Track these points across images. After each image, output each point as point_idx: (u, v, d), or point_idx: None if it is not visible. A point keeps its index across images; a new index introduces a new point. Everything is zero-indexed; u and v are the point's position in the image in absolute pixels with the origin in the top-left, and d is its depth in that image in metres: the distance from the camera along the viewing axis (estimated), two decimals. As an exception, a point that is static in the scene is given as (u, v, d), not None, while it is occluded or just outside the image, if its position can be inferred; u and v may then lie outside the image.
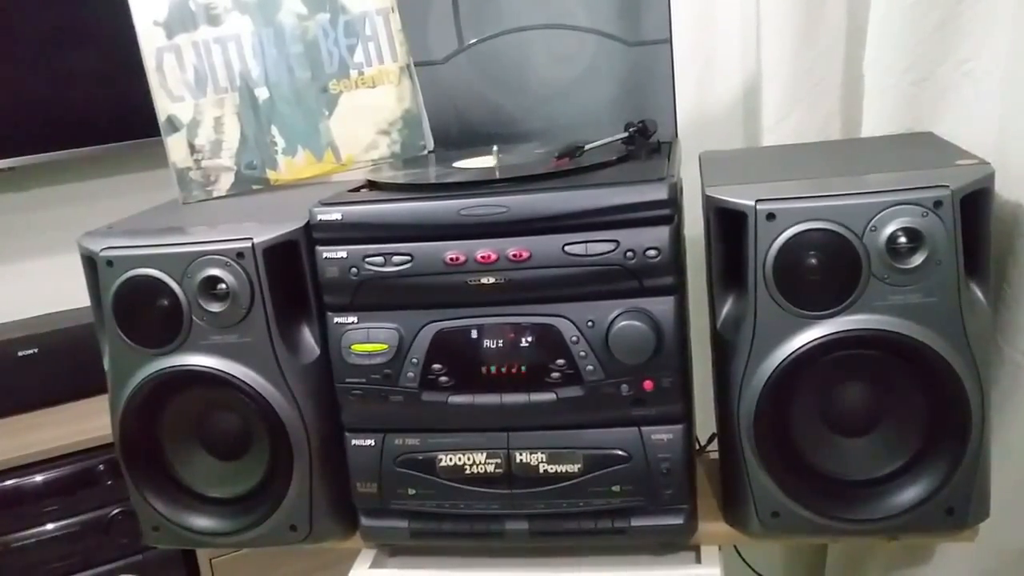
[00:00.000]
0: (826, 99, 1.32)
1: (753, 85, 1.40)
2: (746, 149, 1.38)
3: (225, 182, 1.22)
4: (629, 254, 0.92)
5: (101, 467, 1.62)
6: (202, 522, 1.07)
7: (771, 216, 0.92)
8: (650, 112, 1.17)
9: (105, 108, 1.83)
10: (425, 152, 1.25)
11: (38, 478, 1.61)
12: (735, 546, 1.25)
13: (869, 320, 0.92)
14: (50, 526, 1.61)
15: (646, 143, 1.12)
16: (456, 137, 1.27)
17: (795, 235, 0.91)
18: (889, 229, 0.90)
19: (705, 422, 1.10)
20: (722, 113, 1.47)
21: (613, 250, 0.92)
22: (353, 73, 1.23)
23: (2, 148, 1.78)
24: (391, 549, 1.11)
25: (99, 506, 1.64)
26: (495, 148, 1.12)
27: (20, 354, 1.72)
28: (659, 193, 0.92)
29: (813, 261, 0.91)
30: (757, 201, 0.92)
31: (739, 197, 0.93)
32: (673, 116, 1.23)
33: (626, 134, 1.13)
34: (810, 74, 1.32)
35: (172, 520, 1.08)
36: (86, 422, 1.65)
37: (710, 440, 1.17)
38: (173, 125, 1.20)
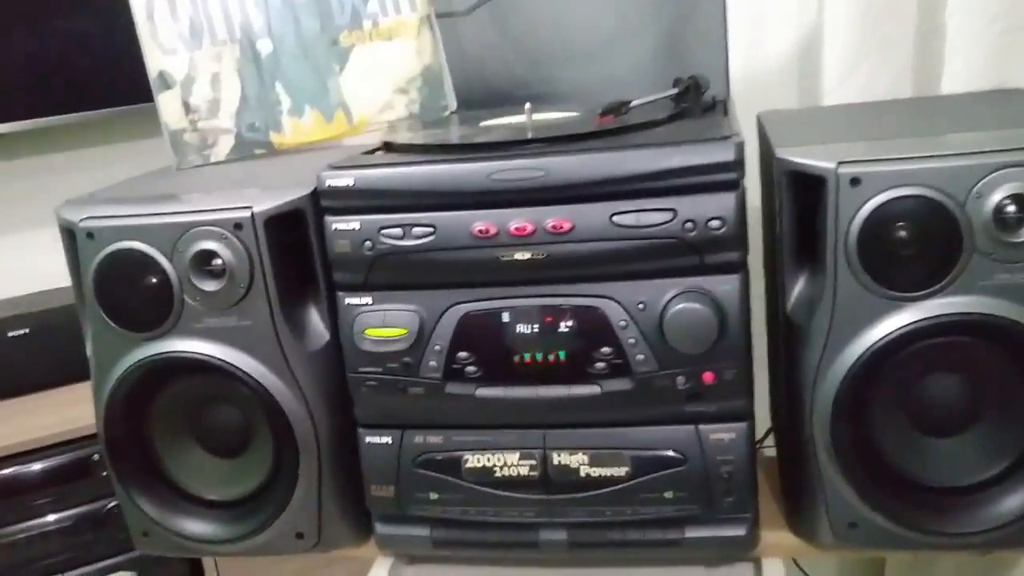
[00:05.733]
0: (897, 54, 1.20)
1: (811, 40, 1.27)
2: (813, 108, 1.26)
3: (224, 146, 1.13)
4: (688, 225, 0.81)
5: (96, 456, 1.53)
6: (197, 527, 0.98)
7: (855, 181, 0.80)
8: (696, 69, 1.07)
9: (104, 70, 1.73)
10: (447, 113, 1.16)
11: (29, 468, 1.52)
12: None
13: (971, 303, 0.80)
14: (42, 520, 1.53)
15: (699, 100, 1.00)
16: (480, 97, 1.19)
17: (884, 203, 0.79)
18: (997, 196, 0.78)
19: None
20: (774, 73, 1.35)
21: (670, 220, 0.81)
22: (367, 24, 1.13)
23: (-8, 113, 1.69)
24: (410, 556, 1.01)
25: (95, 498, 1.55)
26: (528, 106, 1.00)
27: (10, 334, 1.64)
28: (725, 154, 0.81)
29: (904, 233, 0.79)
30: (839, 164, 0.80)
31: (817, 159, 0.81)
32: (725, 71, 1.13)
33: (676, 90, 1.01)
34: (878, 26, 1.19)
35: (163, 525, 0.98)
36: (80, 408, 1.52)
37: (766, 434, 1.05)
38: (165, 82, 1.10)
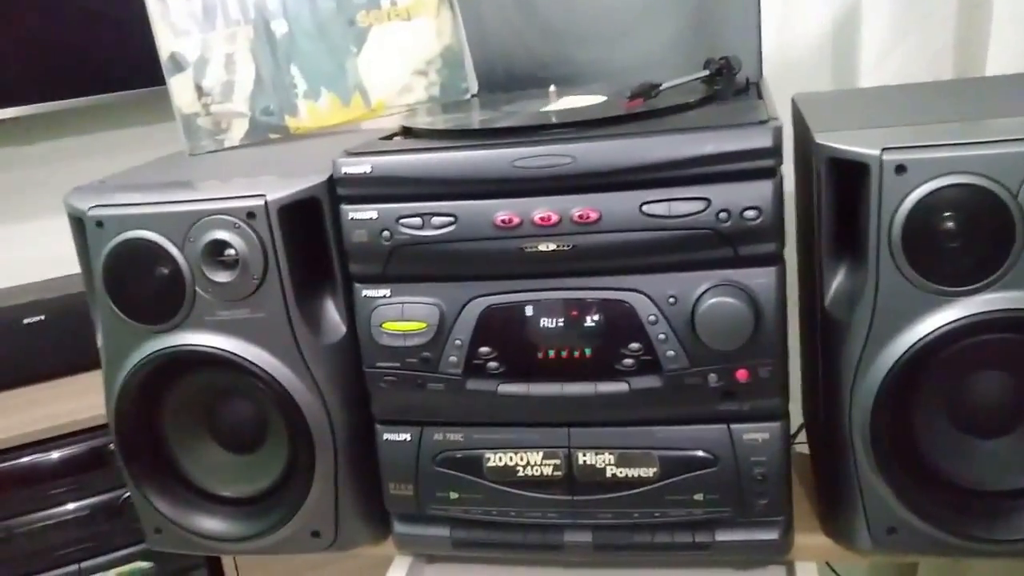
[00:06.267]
0: (938, 33, 1.14)
1: (848, 17, 1.22)
2: (851, 90, 1.21)
3: (238, 130, 1.10)
4: (722, 215, 0.77)
5: (113, 446, 1.49)
6: (211, 524, 0.96)
7: (901, 168, 0.75)
8: (726, 49, 1.02)
9: (116, 52, 1.68)
10: (467, 96, 1.13)
11: (45, 457, 1.50)
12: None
13: (1022, 298, 0.75)
14: (57, 509, 1.50)
15: (732, 82, 0.96)
16: (502, 79, 1.16)
17: (931, 192, 0.75)
18: (1053, 185, 0.73)
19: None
20: (806, 53, 1.30)
21: (703, 210, 0.77)
22: (385, 3, 1.10)
23: (6, 97, 1.66)
24: (429, 556, 0.99)
25: (112, 487, 1.52)
26: (552, 89, 0.96)
27: (26, 321, 1.61)
28: (762, 139, 0.76)
29: (952, 224, 0.75)
30: (883, 150, 0.75)
31: (860, 145, 0.77)
32: (757, 51, 1.08)
33: (707, 72, 0.96)
34: (918, 3, 1.12)
35: (176, 522, 0.96)
36: (97, 396, 1.49)
37: (798, 430, 1.01)
38: (177, 64, 1.07)
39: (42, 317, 1.61)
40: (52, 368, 1.61)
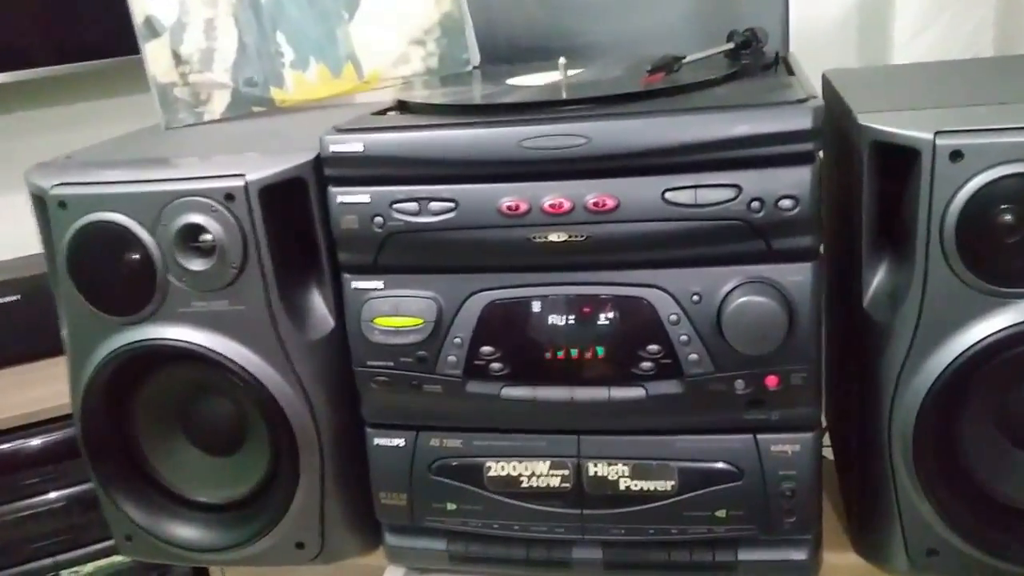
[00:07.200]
0: (978, 6, 1.07)
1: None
2: (887, 67, 1.14)
3: (219, 102, 1.03)
4: (755, 204, 0.70)
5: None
6: (186, 532, 0.91)
7: (957, 155, 0.68)
8: (749, 20, 0.96)
9: (99, 17, 1.62)
10: (469, 68, 1.09)
11: (19, 445, 1.45)
12: None
13: (1090, 302, 0.68)
14: (32, 500, 1.46)
15: (761, 56, 0.88)
16: (506, 51, 1.12)
17: (990, 182, 0.68)
18: None
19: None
20: (831, 27, 1.23)
21: (733, 199, 0.70)
22: None
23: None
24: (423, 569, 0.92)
25: (89, 478, 1.45)
26: (562, 61, 0.88)
27: (1, 301, 1.57)
28: (801, 120, 0.69)
29: (1011, 218, 0.68)
30: (937, 134, 0.68)
31: (910, 128, 0.69)
32: (783, 23, 1.03)
33: (732, 45, 0.89)
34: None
35: (148, 529, 0.90)
36: (75, 381, 1.47)
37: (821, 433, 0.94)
38: (152, 28, 1.00)
39: (16, 297, 1.57)
40: (27, 351, 1.57)
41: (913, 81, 0.95)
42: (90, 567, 1.48)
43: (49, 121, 1.73)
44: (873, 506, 0.79)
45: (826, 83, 0.90)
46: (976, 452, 0.75)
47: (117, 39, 1.53)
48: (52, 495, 1.46)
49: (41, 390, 1.48)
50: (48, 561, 1.46)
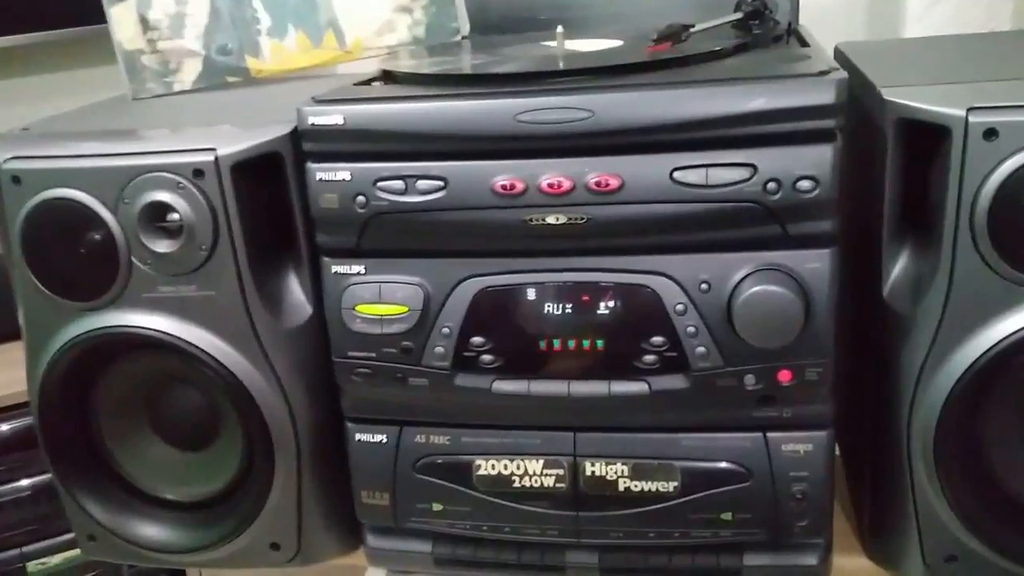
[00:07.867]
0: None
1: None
2: (904, 40, 1.09)
3: (190, 71, 0.99)
4: (771, 186, 0.66)
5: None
6: (153, 532, 0.87)
7: (991, 133, 0.63)
8: None
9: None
10: (458, 37, 1.05)
11: None
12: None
13: None
14: None
15: (772, 27, 0.84)
16: (497, 19, 1.08)
17: None
18: None
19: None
20: None
21: (747, 179, 0.66)
22: None
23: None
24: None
25: (52, 471, 1.43)
26: (559, 29, 0.84)
27: None
28: (823, 94, 0.64)
29: None
30: (969, 110, 0.64)
31: (940, 104, 0.65)
32: None
33: (740, 14, 0.85)
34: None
35: (112, 529, 0.86)
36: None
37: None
38: None
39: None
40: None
41: (935, 55, 0.90)
42: (58, 559, 1.44)
43: (9, 94, 1.68)
44: (887, 507, 0.76)
45: (840, 56, 0.85)
46: (1001, 453, 0.71)
47: (83, 6, 1.51)
48: (19, 483, 1.42)
49: (6, 374, 1.40)
50: (14, 552, 1.43)
